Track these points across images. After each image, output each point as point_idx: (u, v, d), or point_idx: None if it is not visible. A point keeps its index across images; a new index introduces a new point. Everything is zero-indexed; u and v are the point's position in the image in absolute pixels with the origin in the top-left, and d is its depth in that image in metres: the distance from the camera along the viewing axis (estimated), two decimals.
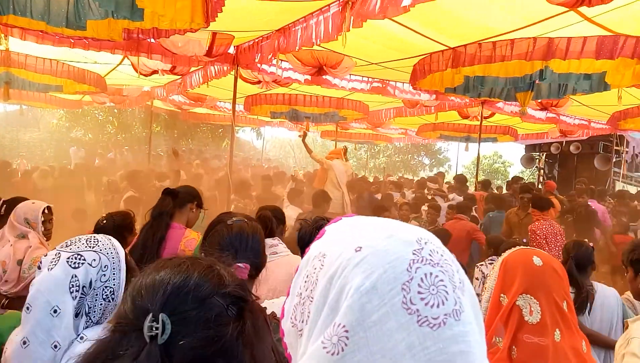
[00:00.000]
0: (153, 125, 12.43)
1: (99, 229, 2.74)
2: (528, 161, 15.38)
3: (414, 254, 0.59)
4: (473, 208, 7.10)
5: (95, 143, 15.81)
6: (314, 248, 0.69)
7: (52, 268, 1.38)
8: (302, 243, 1.73)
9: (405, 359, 0.55)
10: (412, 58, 5.16)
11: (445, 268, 0.59)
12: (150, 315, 0.75)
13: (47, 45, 4.89)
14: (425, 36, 4.40)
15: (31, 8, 3.13)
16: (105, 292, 1.44)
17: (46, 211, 3.09)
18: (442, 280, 0.57)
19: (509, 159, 33.30)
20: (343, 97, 8.24)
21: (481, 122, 8.72)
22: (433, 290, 0.57)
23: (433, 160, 26.61)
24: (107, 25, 3.48)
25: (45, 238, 3.07)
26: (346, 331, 0.57)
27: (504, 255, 1.48)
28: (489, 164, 31.39)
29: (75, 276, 1.38)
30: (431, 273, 0.58)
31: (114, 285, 1.46)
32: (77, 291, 1.38)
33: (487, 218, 6.65)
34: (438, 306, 0.55)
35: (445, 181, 12.85)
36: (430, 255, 0.59)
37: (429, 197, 8.97)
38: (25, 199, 3.26)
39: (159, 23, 3.17)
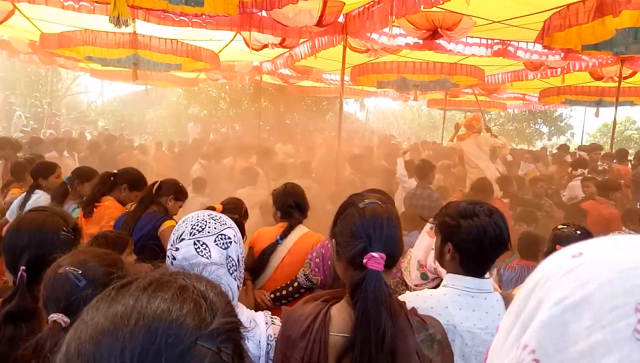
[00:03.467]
0: (261, 100, 12.82)
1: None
2: None
3: None
4: None
5: (210, 118, 16.80)
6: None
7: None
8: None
9: None
10: (543, 12, 4.57)
11: None
12: None
13: (167, 26, 5.14)
14: None
15: None
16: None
17: None
18: None
19: None
20: (456, 63, 7.69)
21: (619, 84, 7.62)
22: None
23: (552, 128, 24.29)
24: (223, 0, 3.49)
25: None
26: (535, 360, 0.41)
27: None
28: (619, 131, 27.92)
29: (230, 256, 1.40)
30: None
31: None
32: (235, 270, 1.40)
33: None
34: None
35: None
36: None
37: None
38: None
39: None
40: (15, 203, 3.68)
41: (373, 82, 9.08)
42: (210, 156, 8.06)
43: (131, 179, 3.27)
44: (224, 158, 8.64)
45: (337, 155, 6.28)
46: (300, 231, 2.83)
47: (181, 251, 1.38)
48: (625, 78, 7.88)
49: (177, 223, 2.90)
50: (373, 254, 1.25)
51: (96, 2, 3.94)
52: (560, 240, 2.22)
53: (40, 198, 3.63)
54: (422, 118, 28.68)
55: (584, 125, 15.83)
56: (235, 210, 2.81)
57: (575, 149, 11.44)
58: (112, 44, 6.01)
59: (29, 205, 3.52)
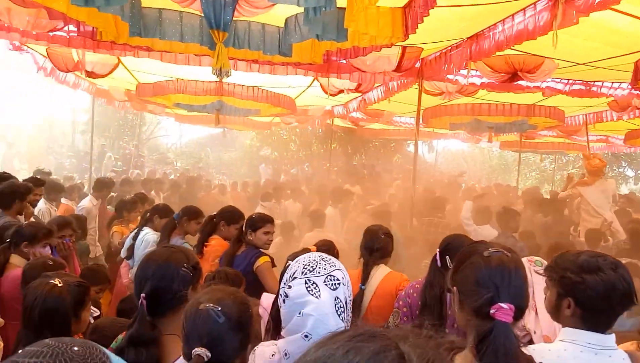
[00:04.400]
0: (330, 142, 13.10)
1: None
2: None
3: None
4: None
5: (281, 160, 17.35)
6: None
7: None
8: None
9: None
10: (633, 54, 4.39)
11: None
12: None
13: (253, 73, 5.49)
14: None
15: (249, 40, 3.50)
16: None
17: None
18: None
19: None
20: (534, 104, 7.48)
21: None
22: None
23: (639, 171, 22.61)
24: (310, 49, 3.71)
25: None
26: None
27: None
28: None
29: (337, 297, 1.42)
30: None
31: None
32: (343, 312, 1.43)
33: None
34: None
35: None
36: None
37: None
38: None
39: (359, 41, 3.26)
40: (129, 239, 4.22)
41: (446, 124, 9.00)
42: (270, 197, 8.42)
43: (226, 217, 3.56)
44: (286, 199, 8.93)
45: (412, 198, 6.23)
46: (382, 272, 2.87)
47: (293, 289, 1.45)
48: None
49: (269, 257, 3.10)
50: (502, 305, 1.23)
51: (194, 54, 4.30)
52: None
53: (147, 235, 4.06)
54: (494, 160, 27.79)
55: None
56: (329, 252, 2.90)
57: None
58: (200, 92, 6.50)
59: (139, 239, 4.08)
